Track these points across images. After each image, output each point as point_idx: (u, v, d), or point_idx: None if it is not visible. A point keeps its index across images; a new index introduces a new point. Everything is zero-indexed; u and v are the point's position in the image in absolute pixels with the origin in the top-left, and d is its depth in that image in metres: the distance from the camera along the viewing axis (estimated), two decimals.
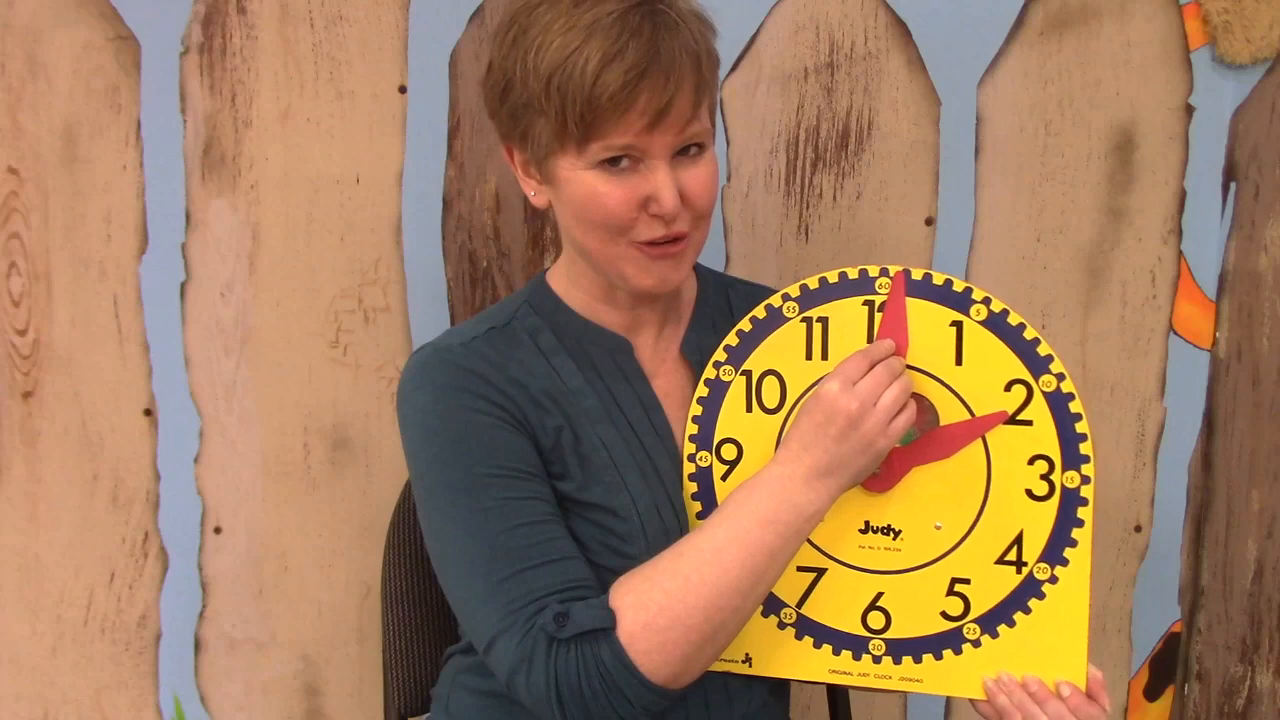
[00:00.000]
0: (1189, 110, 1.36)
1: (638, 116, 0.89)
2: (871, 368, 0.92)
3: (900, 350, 0.95)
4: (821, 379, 0.94)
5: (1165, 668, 1.49)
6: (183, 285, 1.37)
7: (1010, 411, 0.95)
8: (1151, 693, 1.50)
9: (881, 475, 0.96)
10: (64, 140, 1.34)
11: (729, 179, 1.37)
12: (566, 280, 1.04)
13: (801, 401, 0.98)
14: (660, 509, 0.99)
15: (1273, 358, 1.36)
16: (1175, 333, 1.41)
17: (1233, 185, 1.38)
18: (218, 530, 1.42)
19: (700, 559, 0.89)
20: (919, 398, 0.96)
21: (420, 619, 1.21)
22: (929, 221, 1.38)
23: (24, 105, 1.33)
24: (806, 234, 1.38)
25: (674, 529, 0.99)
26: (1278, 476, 1.36)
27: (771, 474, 0.92)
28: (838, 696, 1.27)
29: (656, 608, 0.88)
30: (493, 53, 0.96)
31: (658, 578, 0.90)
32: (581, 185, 0.93)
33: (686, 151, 0.93)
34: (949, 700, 1.50)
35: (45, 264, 1.36)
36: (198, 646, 1.44)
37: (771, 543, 0.90)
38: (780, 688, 1.10)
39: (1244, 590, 1.40)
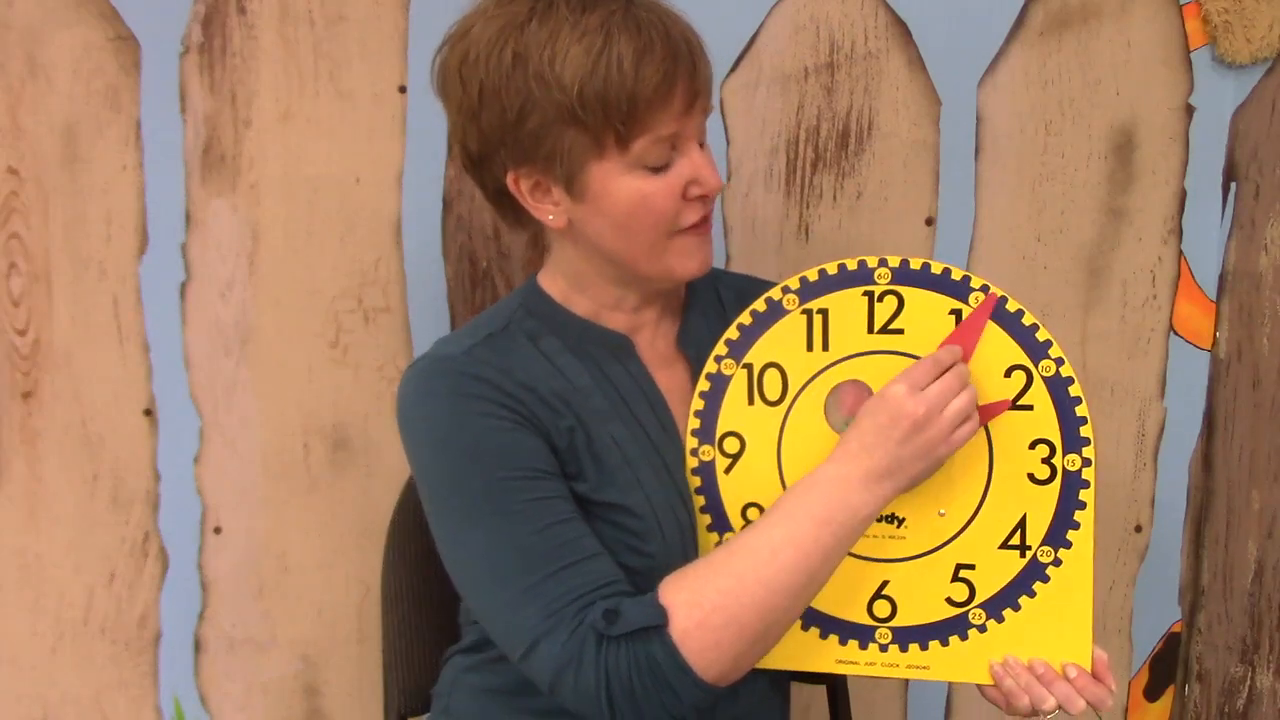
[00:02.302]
0: (1189, 110, 1.36)
1: (676, 103, 0.91)
2: (940, 374, 0.93)
3: (964, 359, 0.95)
4: (890, 382, 0.93)
5: (1165, 668, 1.49)
6: (183, 285, 1.37)
7: (1011, 398, 0.95)
8: (1152, 693, 1.50)
9: None
10: (64, 140, 1.34)
11: (729, 179, 1.37)
12: (566, 287, 1.03)
13: (803, 393, 0.98)
14: (674, 505, 0.99)
15: (1273, 358, 1.36)
16: (1175, 333, 1.41)
17: (1233, 185, 1.38)
18: (218, 530, 1.42)
19: (756, 558, 0.89)
20: None
21: (420, 619, 1.21)
22: (929, 221, 1.38)
23: (24, 105, 1.33)
24: (806, 234, 1.38)
25: (688, 525, 0.99)
26: (1278, 476, 1.36)
27: (828, 473, 0.92)
28: (838, 694, 1.27)
29: (710, 606, 0.88)
30: (482, 83, 0.92)
31: (711, 576, 0.89)
32: (625, 190, 0.93)
33: None
34: (949, 694, 1.50)
35: (45, 264, 1.36)
36: (198, 647, 1.44)
37: (827, 543, 0.90)
38: (780, 679, 1.11)
39: (1244, 590, 1.40)
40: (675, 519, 0.98)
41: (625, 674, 0.87)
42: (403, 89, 1.34)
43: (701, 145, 0.96)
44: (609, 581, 0.91)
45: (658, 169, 0.93)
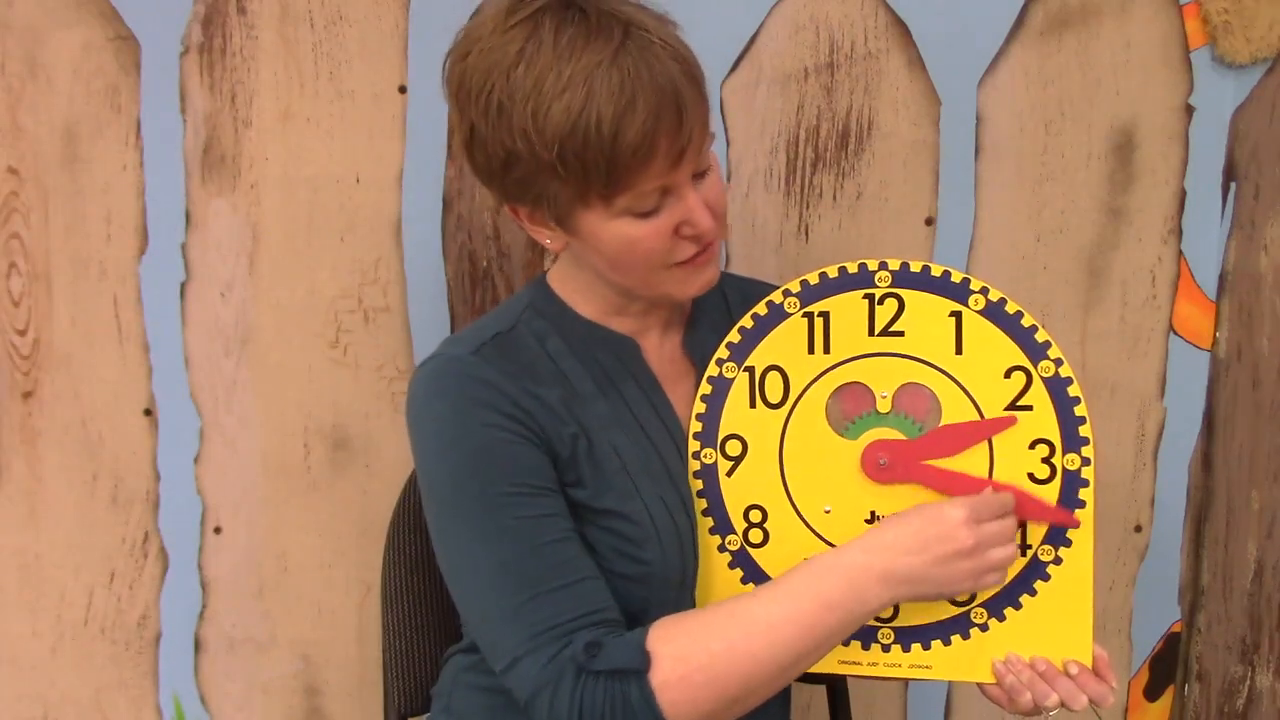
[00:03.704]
0: (1189, 110, 1.36)
1: (661, 159, 0.88)
2: (1000, 517, 0.93)
3: (1015, 512, 0.95)
4: (947, 502, 0.93)
5: (1165, 668, 1.49)
6: (183, 285, 1.37)
7: (1016, 417, 0.96)
8: (1151, 693, 1.50)
9: (888, 468, 0.97)
10: (64, 140, 1.34)
11: (729, 179, 1.37)
12: (573, 290, 1.03)
13: (805, 395, 0.99)
14: (673, 511, 0.99)
15: (1273, 358, 1.36)
16: (1175, 333, 1.41)
17: (1233, 185, 1.38)
18: (218, 530, 1.42)
19: (753, 629, 0.89)
20: (922, 387, 0.97)
21: (420, 619, 1.21)
22: (929, 221, 1.38)
23: (24, 105, 1.33)
24: (806, 234, 1.38)
25: (687, 531, 0.99)
26: (1278, 476, 1.36)
27: (851, 559, 0.91)
28: (838, 694, 1.27)
29: (696, 665, 0.88)
30: (474, 122, 0.91)
31: (704, 635, 0.89)
32: (613, 236, 0.92)
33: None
34: (949, 693, 1.50)
35: (45, 264, 1.36)
36: (198, 646, 1.44)
37: (827, 627, 0.90)
38: None
39: (1244, 590, 1.40)
40: (674, 525, 0.98)
41: (599, 710, 0.87)
42: (403, 89, 1.34)
43: (705, 174, 0.94)
44: (596, 609, 0.91)
45: (646, 214, 0.91)
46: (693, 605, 1.01)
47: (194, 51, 1.33)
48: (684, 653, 0.88)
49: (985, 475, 0.97)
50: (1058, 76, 1.35)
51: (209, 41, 1.32)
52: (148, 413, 1.39)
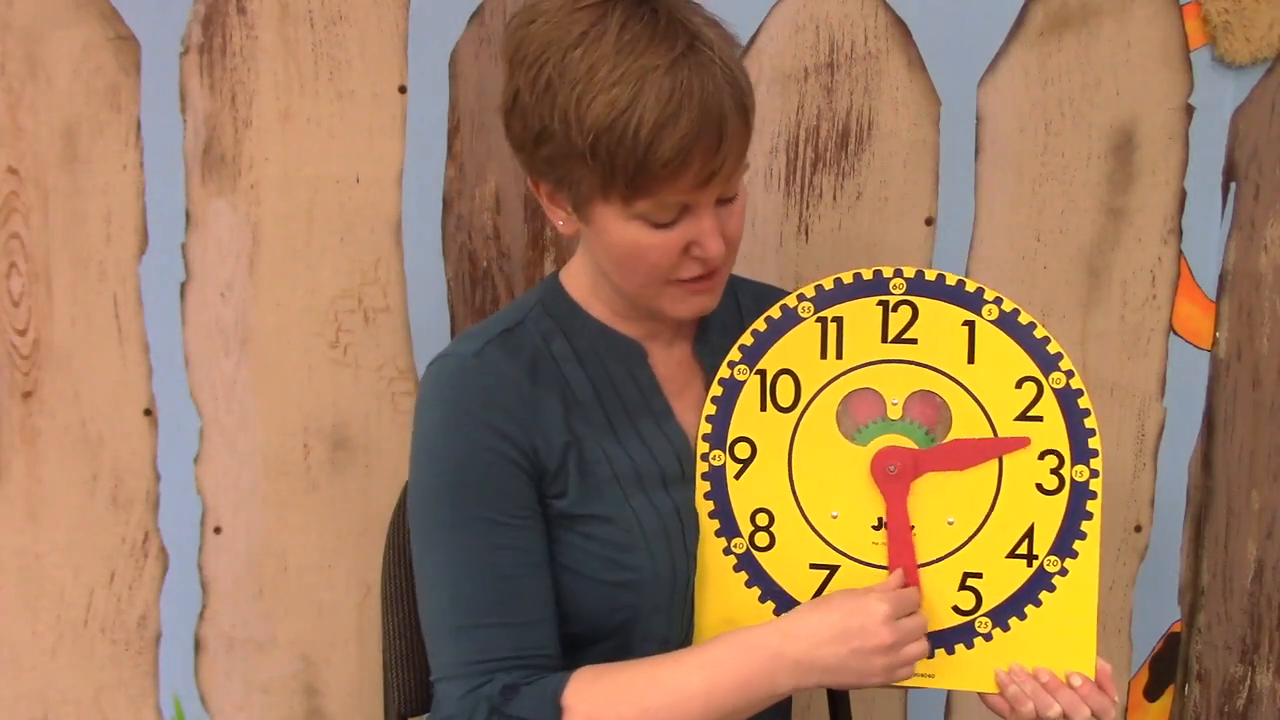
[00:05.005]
0: (1189, 110, 1.36)
1: (690, 177, 0.88)
2: (913, 613, 0.95)
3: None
4: (871, 591, 0.95)
5: (1165, 668, 1.49)
6: (183, 285, 1.37)
7: (1029, 438, 0.96)
8: (1151, 693, 1.50)
9: (897, 476, 0.97)
10: (64, 140, 1.33)
11: None
12: (585, 289, 1.03)
13: (816, 400, 0.99)
14: (664, 517, 0.99)
15: (1273, 358, 1.36)
16: (1175, 333, 1.41)
17: (1233, 185, 1.38)
18: (218, 530, 1.42)
19: (666, 697, 0.91)
20: (933, 395, 0.97)
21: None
22: (929, 221, 1.38)
23: (24, 105, 1.33)
24: (806, 234, 1.38)
25: (677, 535, 0.99)
26: (1278, 476, 1.36)
27: (769, 643, 0.92)
28: (838, 696, 1.27)
29: None
30: (520, 90, 0.91)
31: (621, 697, 0.91)
32: (624, 236, 0.92)
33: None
34: (949, 700, 1.50)
35: (45, 264, 1.36)
36: (198, 646, 1.44)
37: (736, 703, 0.92)
38: None
39: (1244, 590, 1.40)
40: (664, 532, 0.98)
41: None
42: (403, 89, 1.34)
43: (730, 202, 0.93)
44: (530, 652, 0.93)
45: (661, 225, 0.91)
46: (687, 611, 1.01)
47: (194, 51, 1.33)
48: (597, 712, 0.90)
49: (993, 484, 0.97)
50: (1058, 76, 1.35)
51: (209, 41, 1.32)
52: (148, 413, 1.39)
